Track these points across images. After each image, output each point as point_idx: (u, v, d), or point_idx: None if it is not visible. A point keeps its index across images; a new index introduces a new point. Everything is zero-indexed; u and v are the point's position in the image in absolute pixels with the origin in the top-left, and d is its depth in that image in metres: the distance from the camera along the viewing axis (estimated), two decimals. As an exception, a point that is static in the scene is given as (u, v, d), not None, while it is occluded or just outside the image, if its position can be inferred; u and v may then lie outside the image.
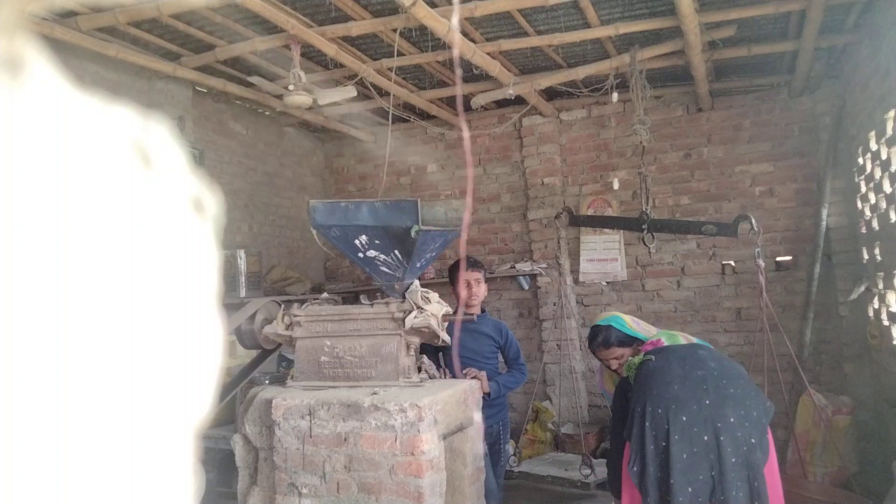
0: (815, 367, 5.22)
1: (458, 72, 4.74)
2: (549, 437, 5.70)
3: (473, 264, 3.70)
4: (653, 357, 2.70)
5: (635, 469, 2.49)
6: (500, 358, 3.78)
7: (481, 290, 3.66)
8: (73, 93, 0.34)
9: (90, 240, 0.33)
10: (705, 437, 2.42)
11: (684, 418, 2.45)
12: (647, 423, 2.49)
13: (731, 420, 2.44)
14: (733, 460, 2.39)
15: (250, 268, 5.17)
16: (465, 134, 6.43)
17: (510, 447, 3.98)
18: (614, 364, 2.97)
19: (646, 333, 2.93)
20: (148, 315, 0.36)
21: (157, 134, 0.37)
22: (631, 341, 2.92)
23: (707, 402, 2.48)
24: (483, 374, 3.45)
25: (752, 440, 2.43)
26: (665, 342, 2.80)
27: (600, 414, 5.84)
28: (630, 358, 2.84)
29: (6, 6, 0.32)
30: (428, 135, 6.71)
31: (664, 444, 2.45)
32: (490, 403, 3.47)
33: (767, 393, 2.69)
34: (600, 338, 2.99)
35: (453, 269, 3.75)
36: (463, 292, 3.57)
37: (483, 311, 3.75)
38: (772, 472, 2.49)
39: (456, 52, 3.82)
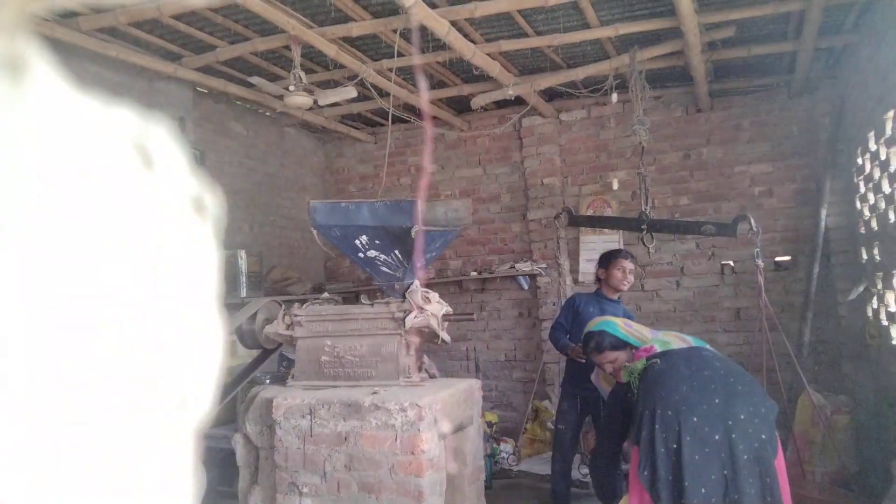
0: (814, 366, 5.21)
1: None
2: (548, 437, 5.70)
3: (627, 255, 4.29)
4: (657, 360, 2.70)
5: (646, 473, 2.48)
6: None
7: (631, 277, 4.23)
8: (74, 93, 0.35)
9: (91, 241, 0.33)
10: (717, 437, 2.42)
11: (695, 419, 2.45)
12: (656, 427, 2.48)
13: (742, 417, 2.45)
14: (745, 457, 2.39)
15: (251, 268, 5.18)
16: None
17: None
18: (608, 367, 3.01)
19: (638, 337, 2.96)
20: (149, 315, 0.36)
21: (158, 135, 0.37)
22: (624, 345, 2.96)
23: (717, 400, 2.48)
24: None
25: (763, 436, 2.44)
26: (658, 349, 2.81)
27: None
28: (629, 364, 2.85)
29: (6, 6, 0.32)
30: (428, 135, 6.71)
31: (675, 446, 2.44)
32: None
33: (766, 393, 2.72)
34: (593, 343, 3.05)
35: (609, 256, 4.27)
36: (619, 275, 4.16)
37: (618, 298, 4.30)
38: (780, 467, 2.50)
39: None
